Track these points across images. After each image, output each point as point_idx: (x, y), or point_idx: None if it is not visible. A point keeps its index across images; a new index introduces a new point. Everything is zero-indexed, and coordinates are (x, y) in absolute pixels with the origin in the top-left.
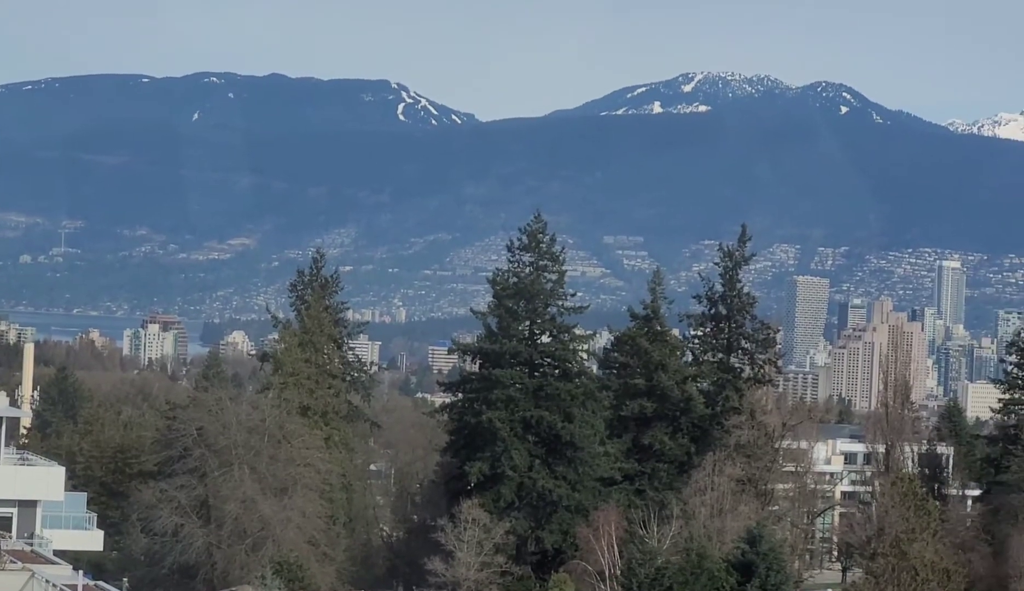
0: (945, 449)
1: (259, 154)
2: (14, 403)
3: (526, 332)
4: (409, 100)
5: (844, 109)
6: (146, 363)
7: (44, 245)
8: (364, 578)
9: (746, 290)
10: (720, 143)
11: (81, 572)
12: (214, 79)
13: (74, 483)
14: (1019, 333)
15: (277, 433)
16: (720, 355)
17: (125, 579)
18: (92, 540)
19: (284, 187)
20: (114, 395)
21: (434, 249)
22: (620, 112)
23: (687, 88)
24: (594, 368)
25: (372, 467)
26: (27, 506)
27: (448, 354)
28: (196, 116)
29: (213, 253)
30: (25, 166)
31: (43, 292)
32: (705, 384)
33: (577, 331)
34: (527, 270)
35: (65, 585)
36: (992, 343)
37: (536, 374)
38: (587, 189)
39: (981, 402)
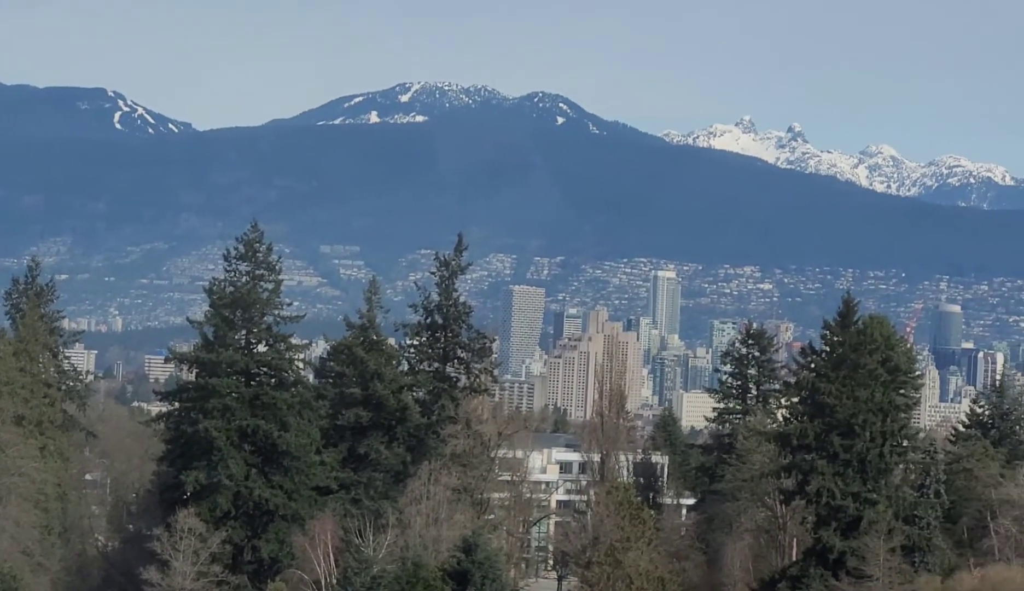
0: (660, 458)
1: None
2: None
3: (242, 341)
4: (126, 108)
5: (560, 119)
6: None
7: None
8: (79, 588)
9: (462, 299)
10: (437, 153)
11: None
12: None
13: None
14: (733, 343)
15: None
16: (436, 364)
17: None
18: None
19: None
20: None
21: (151, 258)
22: (337, 121)
23: (404, 98)
24: (310, 377)
25: (87, 477)
26: None
27: (165, 363)
28: None
29: None
30: None
31: None
32: (421, 393)
33: (293, 340)
34: (244, 279)
35: None
36: (707, 353)
37: (252, 383)
38: (304, 199)
39: (696, 411)
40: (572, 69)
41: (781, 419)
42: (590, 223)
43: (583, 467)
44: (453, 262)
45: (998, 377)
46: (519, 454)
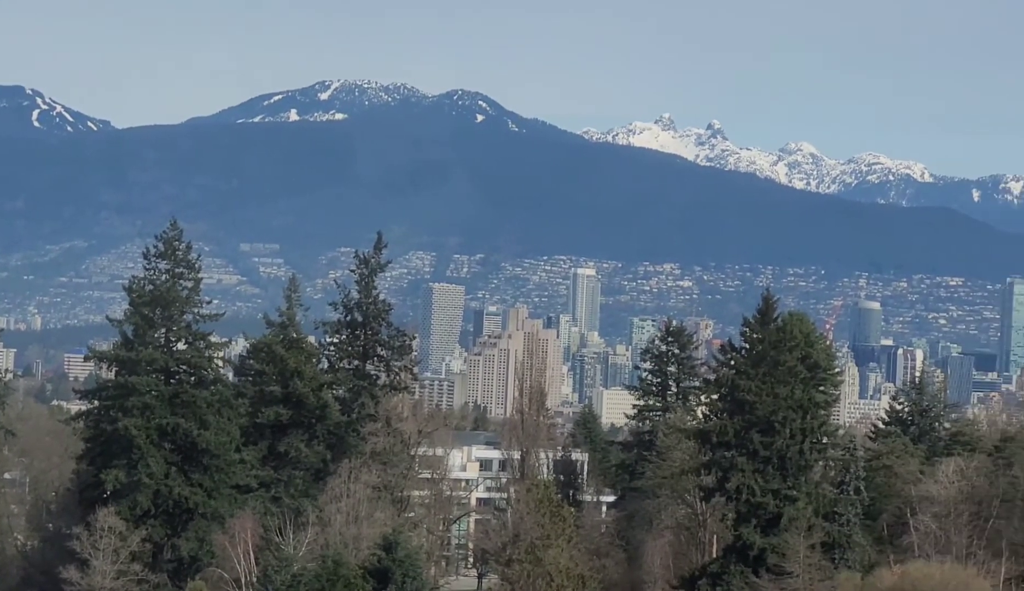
0: (580, 455)
1: None
2: None
3: (162, 339)
4: (44, 106)
5: (480, 117)
6: None
7: None
8: None
9: (382, 297)
10: (357, 151)
11: None
12: None
13: None
14: (653, 340)
15: None
16: (356, 362)
17: None
18: None
19: None
20: None
21: (70, 256)
22: (257, 120)
23: (324, 96)
24: (230, 375)
25: (6, 476)
26: None
27: (84, 361)
28: None
29: None
30: None
31: None
32: (341, 391)
33: (213, 338)
34: (163, 278)
35: None
36: (627, 350)
37: (172, 381)
38: (223, 197)
39: (616, 408)
40: (492, 67)
41: (701, 416)
42: (510, 221)
43: (503, 465)
44: (372, 260)
45: (917, 374)
46: (439, 452)
